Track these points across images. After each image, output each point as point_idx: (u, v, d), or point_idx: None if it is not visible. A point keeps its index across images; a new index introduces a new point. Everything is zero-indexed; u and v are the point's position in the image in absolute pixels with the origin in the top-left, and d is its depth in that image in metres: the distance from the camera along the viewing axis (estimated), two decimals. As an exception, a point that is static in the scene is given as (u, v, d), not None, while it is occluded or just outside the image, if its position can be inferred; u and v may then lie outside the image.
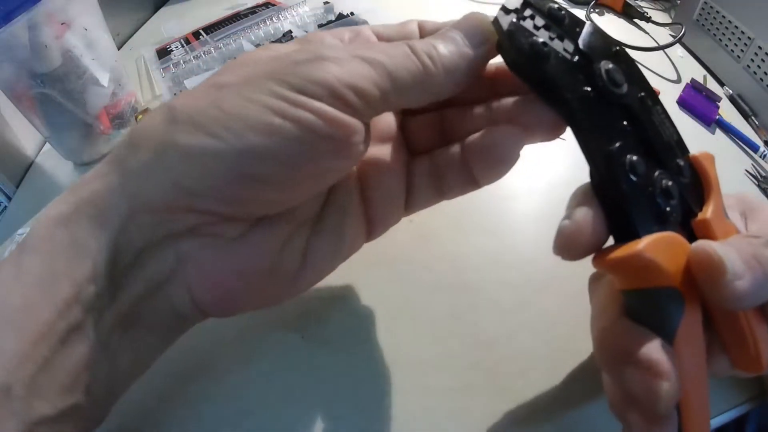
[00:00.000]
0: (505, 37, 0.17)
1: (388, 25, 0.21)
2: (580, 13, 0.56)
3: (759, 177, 0.37)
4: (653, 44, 0.50)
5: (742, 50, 0.44)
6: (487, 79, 0.21)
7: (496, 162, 0.19)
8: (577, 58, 0.18)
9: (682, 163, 0.18)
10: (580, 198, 0.18)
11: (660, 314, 0.16)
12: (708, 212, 0.18)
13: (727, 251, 0.15)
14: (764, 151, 0.39)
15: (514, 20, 0.17)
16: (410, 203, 0.22)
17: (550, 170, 0.35)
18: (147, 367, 0.18)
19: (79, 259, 0.15)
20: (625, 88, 0.18)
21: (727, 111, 0.43)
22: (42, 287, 0.14)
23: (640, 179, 0.17)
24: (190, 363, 0.21)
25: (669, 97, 0.44)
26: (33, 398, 0.13)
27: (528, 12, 0.18)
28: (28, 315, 0.14)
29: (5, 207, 0.39)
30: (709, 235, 0.17)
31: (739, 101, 0.44)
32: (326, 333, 0.26)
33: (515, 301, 0.27)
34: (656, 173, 0.17)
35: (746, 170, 0.37)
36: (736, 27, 0.44)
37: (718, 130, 0.41)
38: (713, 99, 0.43)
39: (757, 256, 0.16)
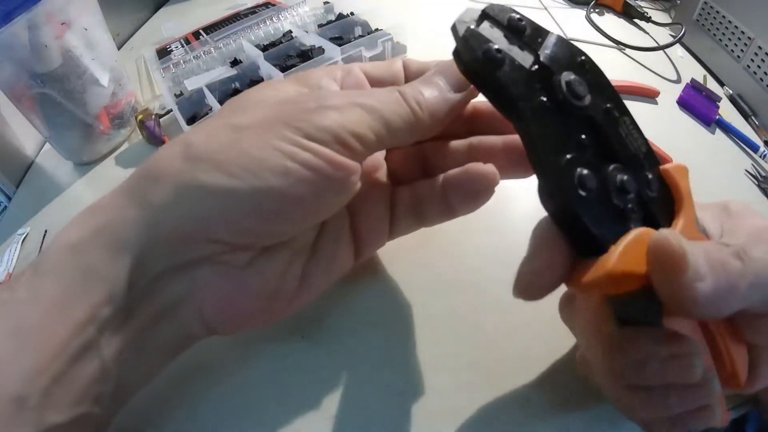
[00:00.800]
0: (460, 44, 0.17)
1: (376, 64, 0.23)
2: (580, 13, 0.57)
3: (759, 177, 0.37)
4: (653, 44, 0.50)
5: (742, 50, 0.44)
6: (465, 117, 0.23)
7: (474, 196, 0.22)
8: (536, 67, 0.17)
9: (650, 176, 0.18)
10: (537, 235, 0.19)
11: (653, 309, 0.16)
12: (678, 226, 0.17)
13: (693, 248, 0.14)
14: (764, 151, 0.39)
15: (472, 27, 0.17)
16: (393, 230, 0.24)
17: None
18: (152, 379, 0.19)
19: (95, 284, 0.16)
20: (588, 99, 0.17)
21: (727, 111, 0.43)
22: (59, 309, 0.15)
23: (590, 193, 0.16)
24: (190, 363, 0.21)
25: (669, 97, 0.44)
26: (46, 408, 0.14)
27: (486, 24, 0.18)
28: (45, 334, 0.15)
29: (5, 207, 0.39)
30: None
31: (739, 101, 0.44)
32: (326, 333, 0.26)
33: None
34: (610, 168, 0.17)
35: (746, 170, 0.37)
36: (736, 27, 0.44)
37: (718, 130, 0.41)
38: (713, 99, 0.43)
39: (725, 264, 0.15)
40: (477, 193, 0.22)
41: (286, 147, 0.17)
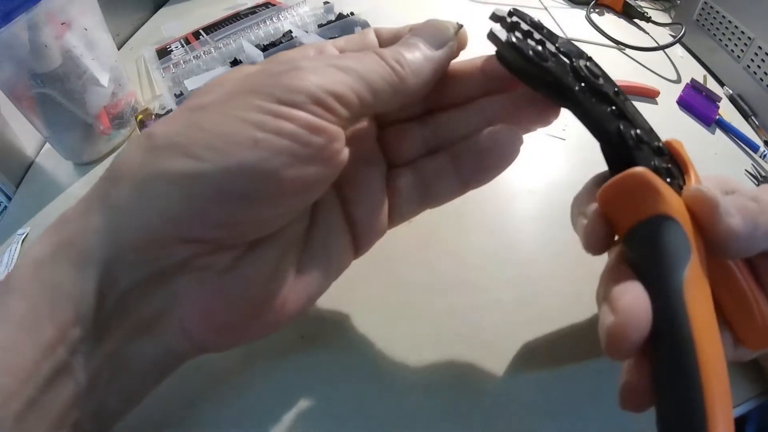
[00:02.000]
0: (506, 47, 0.19)
1: (349, 37, 0.22)
2: (580, 13, 0.57)
3: (759, 177, 0.37)
4: (653, 44, 0.50)
5: (742, 50, 0.44)
6: (457, 82, 0.22)
7: (498, 162, 0.21)
8: (563, 58, 0.20)
9: (660, 144, 0.20)
10: (612, 277, 0.17)
11: (667, 250, 0.16)
12: (693, 182, 0.19)
13: (717, 193, 0.17)
14: (764, 151, 0.39)
15: (510, 33, 0.19)
16: (395, 215, 0.22)
17: (550, 170, 0.35)
18: (137, 405, 0.17)
19: (61, 303, 0.14)
20: (602, 80, 0.20)
21: (727, 111, 0.43)
22: (26, 329, 0.14)
23: (646, 147, 0.19)
24: (190, 363, 0.21)
25: (669, 97, 0.44)
26: None
27: (514, 19, 0.20)
28: (13, 355, 0.14)
29: (5, 207, 0.39)
30: None
31: (739, 101, 0.44)
32: (326, 333, 0.26)
33: (515, 300, 0.27)
34: (656, 160, 0.19)
35: (746, 170, 0.37)
36: (736, 27, 0.44)
37: (718, 130, 0.41)
38: (713, 99, 0.43)
39: (745, 205, 0.17)
40: (503, 157, 0.20)
41: (254, 116, 0.15)
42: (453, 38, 0.20)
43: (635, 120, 0.20)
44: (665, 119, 0.42)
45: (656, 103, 0.43)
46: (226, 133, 0.15)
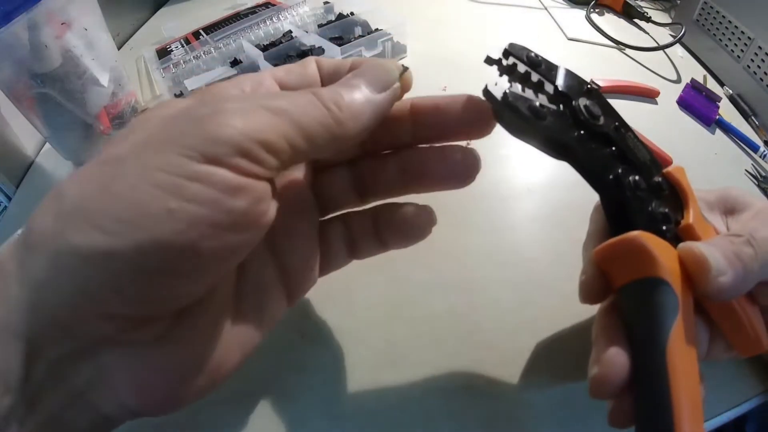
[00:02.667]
0: (502, 106, 0.18)
1: (289, 67, 0.20)
2: (580, 13, 0.57)
3: (759, 177, 0.37)
4: (653, 44, 0.50)
5: (742, 50, 0.44)
6: (392, 127, 0.21)
7: (409, 237, 0.22)
8: (561, 105, 0.20)
9: (659, 179, 0.20)
10: (603, 324, 0.20)
11: (655, 310, 0.17)
12: (690, 218, 0.20)
13: (710, 250, 0.18)
14: (764, 151, 0.39)
15: (507, 90, 0.18)
16: (325, 266, 0.22)
17: (549, 170, 0.35)
18: None
19: None
20: (602, 119, 0.20)
21: (727, 111, 0.43)
22: None
23: (644, 194, 0.20)
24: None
25: (669, 97, 0.44)
26: None
27: (510, 61, 0.19)
28: None
29: (5, 207, 0.39)
30: (694, 238, 0.19)
31: (739, 101, 0.44)
32: (325, 333, 0.26)
33: (515, 300, 0.27)
34: (653, 203, 0.20)
35: (746, 170, 0.37)
36: (736, 27, 0.44)
37: (718, 130, 0.41)
38: (713, 99, 0.43)
39: (738, 254, 0.18)
40: (414, 234, 0.21)
41: (169, 180, 0.13)
42: (397, 81, 0.19)
43: (635, 156, 0.20)
44: (665, 119, 0.42)
45: (656, 103, 0.43)
46: (137, 202, 0.13)
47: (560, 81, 0.20)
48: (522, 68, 0.19)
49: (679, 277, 0.18)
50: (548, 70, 0.20)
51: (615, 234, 0.19)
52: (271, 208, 0.16)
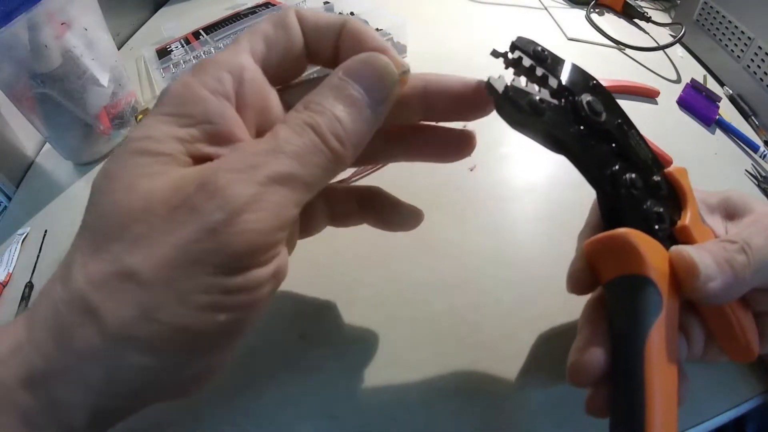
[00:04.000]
0: (503, 99, 0.18)
1: (268, 37, 0.17)
2: (580, 13, 0.57)
3: (759, 177, 0.37)
4: (653, 44, 0.50)
5: (742, 50, 0.44)
6: (401, 110, 0.19)
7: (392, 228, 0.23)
8: (563, 100, 0.20)
9: (658, 179, 0.20)
10: (589, 315, 0.20)
11: (637, 307, 0.17)
12: (686, 219, 0.20)
13: (701, 255, 0.18)
14: (764, 151, 0.39)
15: (508, 83, 0.18)
16: (303, 232, 0.22)
17: (549, 170, 0.35)
18: None
19: None
20: (604, 116, 0.20)
21: (727, 111, 0.43)
22: None
23: (639, 192, 0.19)
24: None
25: (669, 97, 0.44)
26: None
27: (516, 55, 0.19)
28: None
29: (5, 207, 0.39)
30: (689, 240, 0.19)
31: (739, 101, 0.44)
32: (325, 333, 0.26)
33: (515, 300, 0.27)
34: (649, 201, 0.20)
35: (746, 170, 0.37)
36: (736, 27, 0.44)
37: (718, 130, 0.41)
38: (713, 99, 0.43)
39: (730, 261, 0.18)
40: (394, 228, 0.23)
41: (207, 301, 0.14)
42: (397, 85, 0.17)
43: (636, 154, 0.20)
44: (665, 119, 0.42)
45: (656, 103, 0.43)
46: (185, 327, 0.14)
47: (565, 76, 0.20)
48: (527, 62, 0.19)
49: (667, 278, 0.18)
50: (554, 64, 0.20)
51: (607, 229, 0.19)
52: (287, 262, 0.17)
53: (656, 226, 0.19)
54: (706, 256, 0.18)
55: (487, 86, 0.18)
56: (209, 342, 0.15)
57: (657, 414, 0.16)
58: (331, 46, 0.18)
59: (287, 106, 0.18)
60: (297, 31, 0.18)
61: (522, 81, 0.19)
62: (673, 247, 0.18)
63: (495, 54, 0.19)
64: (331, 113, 0.15)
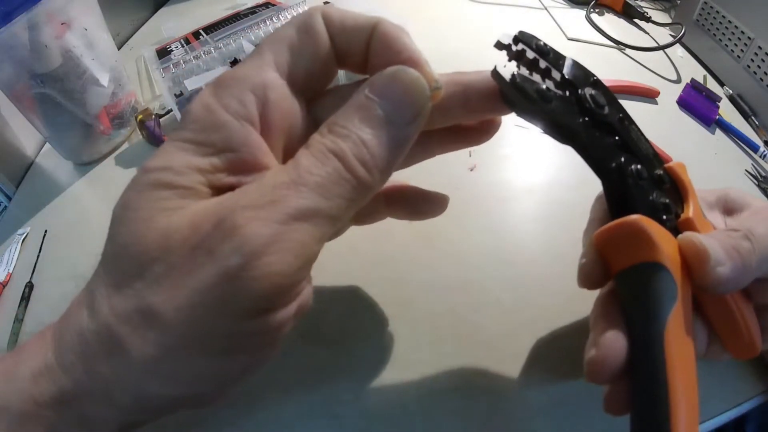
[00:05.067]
0: (510, 87, 0.17)
1: (293, 47, 0.16)
2: (580, 13, 0.57)
3: (759, 177, 0.37)
4: (653, 44, 0.50)
5: (742, 50, 0.44)
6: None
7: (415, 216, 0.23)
8: (568, 92, 0.19)
9: (661, 172, 0.21)
10: (602, 310, 0.20)
11: (653, 295, 0.17)
12: (689, 212, 0.20)
13: (710, 242, 0.18)
14: (764, 151, 0.39)
15: (515, 72, 0.18)
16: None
17: (550, 170, 0.35)
18: None
19: None
20: (606, 109, 0.20)
21: (727, 111, 0.43)
22: None
23: (646, 183, 0.19)
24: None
25: (669, 97, 0.44)
26: None
27: (519, 47, 0.19)
28: None
29: (5, 207, 0.39)
30: (694, 231, 0.19)
31: (739, 101, 0.44)
32: (325, 333, 0.26)
33: (516, 300, 0.27)
34: (655, 193, 0.20)
35: (746, 170, 0.37)
36: (736, 27, 0.44)
37: (718, 130, 0.41)
38: (713, 99, 0.43)
39: (736, 247, 0.18)
40: (428, 215, 0.22)
41: (232, 343, 0.14)
42: (429, 102, 0.16)
43: (638, 148, 0.20)
44: (665, 119, 0.42)
45: (656, 103, 0.43)
46: (209, 367, 0.15)
47: (567, 70, 0.20)
48: (530, 55, 0.19)
49: (679, 266, 0.18)
50: (556, 59, 0.20)
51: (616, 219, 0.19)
52: (311, 295, 0.17)
53: (664, 216, 0.19)
54: (714, 242, 0.18)
55: (494, 74, 0.18)
56: (229, 377, 0.15)
57: (681, 407, 0.15)
58: (362, 51, 0.17)
59: (316, 121, 0.17)
60: (324, 36, 0.16)
61: (526, 72, 0.19)
62: (682, 234, 0.19)
63: (499, 45, 0.19)
64: (356, 137, 0.14)
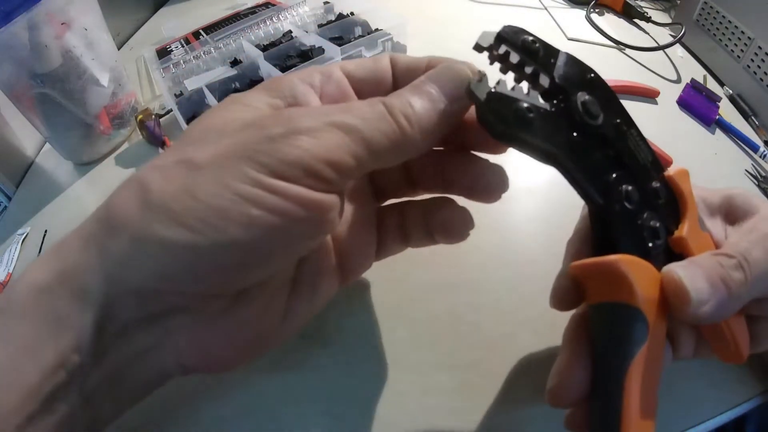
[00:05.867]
0: (484, 107, 0.16)
1: (360, 62, 0.20)
2: (580, 13, 0.57)
3: (759, 177, 0.37)
4: (653, 44, 0.50)
5: (742, 50, 0.44)
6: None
7: (450, 237, 0.22)
8: (555, 103, 0.18)
9: (657, 185, 0.19)
10: (571, 335, 0.20)
11: (622, 336, 0.17)
12: (684, 230, 0.19)
13: (694, 278, 0.17)
14: (764, 151, 0.39)
15: (491, 89, 0.16)
16: (381, 251, 0.23)
17: (550, 170, 0.35)
18: (127, 411, 0.18)
19: (62, 330, 0.15)
20: (600, 118, 0.18)
21: (727, 111, 0.43)
22: (28, 352, 0.15)
23: (635, 206, 0.18)
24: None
25: (669, 97, 0.44)
26: None
27: (502, 49, 0.18)
28: (16, 375, 0.14)
29: (5, 207, 0.39)
30: (686, 251, 0.19)
31: (739, 101, 0.44)
32: (325, 333, 0.26)
33: (515, 300, 0.27)
34: (645, 214, 0.19)
35: (746, 170, 0.37)
36: (736, 27, 0.44)
37: (718, 130, 0.41)
38: (713, 99, 0.43)
39: (725, 279, 0.17)
40: (450, 234, 0.22)
41: (248, 190, 0.15)
42: (466, 89, 0.18)
43: (635, 158, 0.19)
44: (665, 119, 0.42)
45: (656, 103, 0.43)
46: (221, 208, 0.15)
47: (559, 70, 0.18)
48: (515, 58, 0.18)
49: (656, 303, 0.17)
50: (547, 57, 0.18)
51: (597, 243, 0.18)
52: (338, 218, 0.17)
53: (650, 244, 0.18)
54: (699, 277, 0.17)
55: (467, 92, 0.17)
56: (242, 242, 0.15)
57: None
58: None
59: None
60: (386, 64, 0.21)
61: (506, 85, 0.17)
62: (665, 269, 0.17)
63: (478, 48, 0.18)
64: (405, 98, 0.17)
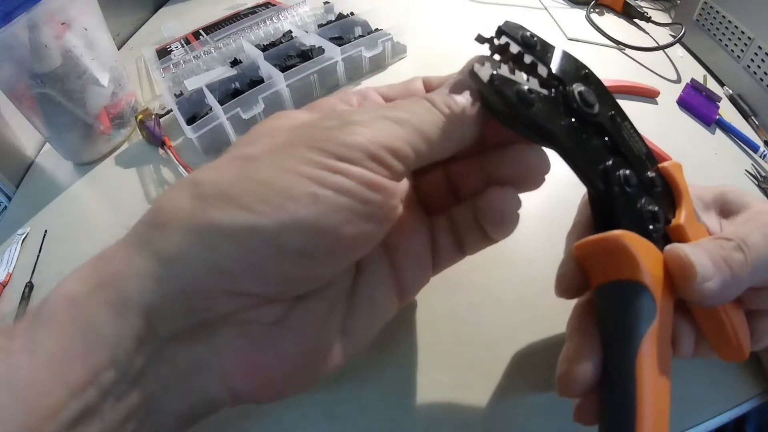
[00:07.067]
0: (487, 89, 0.17)
1: (393, 86, 0.21)
2: (580, 13, 0.57)
3: (759, 177, 0.37)
4: (653, 44, 0.50)
5: (742, 50, 0.44)
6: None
7: (501, 223, 0.20)
8: (554, 91, 0.18)
9: (652, 174, 0.20)
10: (577, 322, 0.20)
11: (630, 315, 0.17)
12: (681, 218, 0.19)
13: (697, 254, 0.17)
14: (764, 151, 0.39)
15: (494, 72, 0.17)
16: (437, 263, 0.22)
17: (551, 169, 0.35)
18: None
19: (95, 344, 0.13)
20: (596, 108, 0.19)
21: (727, 111, 0.43)
22: (54, 367, 0.13)
23: (633, 190, 0.18)
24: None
25: (669, 97, 0.44)
26: None
27: (502, 40, 0.18)
28: (40, 391, 0.13)
29: (5, 207, 0.39)
30: (684, 239, 0.19)
31: (739, 101, 0.44)
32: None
33: (516, 300, 0.27)
34: (643, 199, 0.19)
35: (746, 170, 0.37)
36: (736, 27, 0.44)
37: (718, 130, 0.41)
38: (713, 99, 0.43)
39: (727, 260, 0.17)
40: (505, 219, 0.20)
41: (311, 171, 0.14)
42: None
43: (630, 148, 0.19)
44: (665, 119, 0.42)
45: (656, 103, 0.43)
46: (283, 187, 0.14)
47: (555, 64, 0.19)
48: (515, 48, 0.18)
49: (662, 281, 0.17)
50: (544, 51, 0.19)
51: (599, 229, 0.18)
52: (400, 205, 0.17)
53: (651, 226, 0.18)
54: (703, 254, 0.17)
55: (470, 74, 0.17)
56: (307, 221, 0.14)
57: (648, 426, 0.15)
58: None
59: None
60: (418, 85, 0.21)
61: (506, 70, 0.18)
62: (669, 246, 0.18)
63: (480, 39, 0.18)
64: (443, 92, 0.18)
